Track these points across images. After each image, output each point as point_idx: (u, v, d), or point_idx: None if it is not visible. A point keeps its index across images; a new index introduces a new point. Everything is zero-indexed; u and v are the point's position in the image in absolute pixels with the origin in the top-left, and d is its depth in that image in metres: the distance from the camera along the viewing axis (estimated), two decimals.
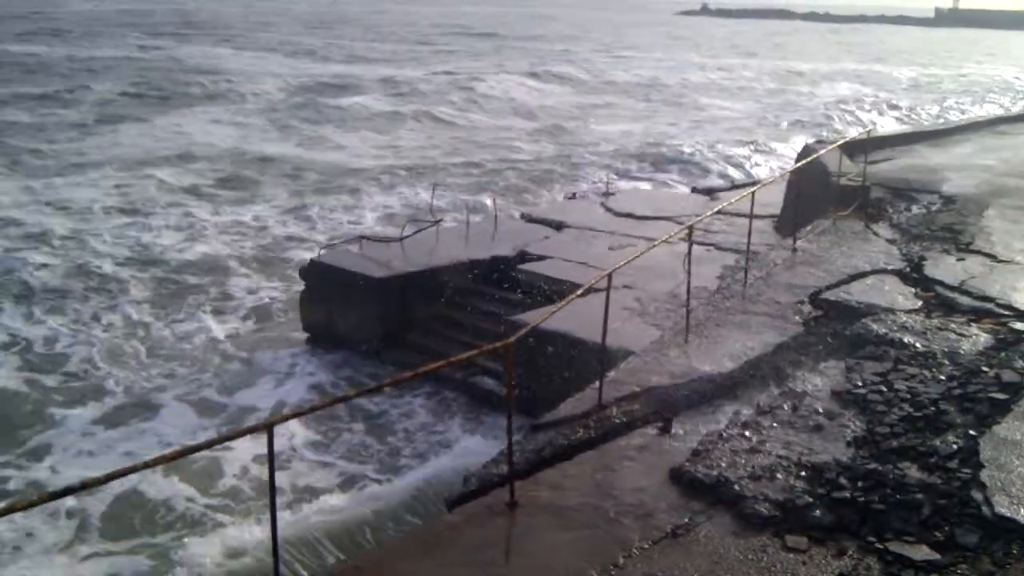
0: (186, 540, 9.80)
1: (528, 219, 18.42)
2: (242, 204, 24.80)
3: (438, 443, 12.28)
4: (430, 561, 5.25)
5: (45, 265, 18.75)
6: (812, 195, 13.66)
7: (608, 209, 18.93)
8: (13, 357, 14.77)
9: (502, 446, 8.02)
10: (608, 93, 52.61)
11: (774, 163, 32.36)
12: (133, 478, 9.52)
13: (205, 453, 8.98)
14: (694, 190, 22.71)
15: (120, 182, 26.34)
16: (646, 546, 5.28)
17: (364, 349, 14.67)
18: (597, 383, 7.51)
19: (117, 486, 10.16)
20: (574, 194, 23.52)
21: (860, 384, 7.22)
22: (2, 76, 46.89)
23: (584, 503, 5.83)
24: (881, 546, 5.15)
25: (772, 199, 16.55)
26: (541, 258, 15.11)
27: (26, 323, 16.06)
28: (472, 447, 11.92)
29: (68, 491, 3.58)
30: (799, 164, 14.36)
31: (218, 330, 16.21)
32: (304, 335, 15.64)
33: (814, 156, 13.73)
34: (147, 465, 3.78)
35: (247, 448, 11.01)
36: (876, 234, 11.88)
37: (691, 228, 8.82)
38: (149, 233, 21.40)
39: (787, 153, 32.63)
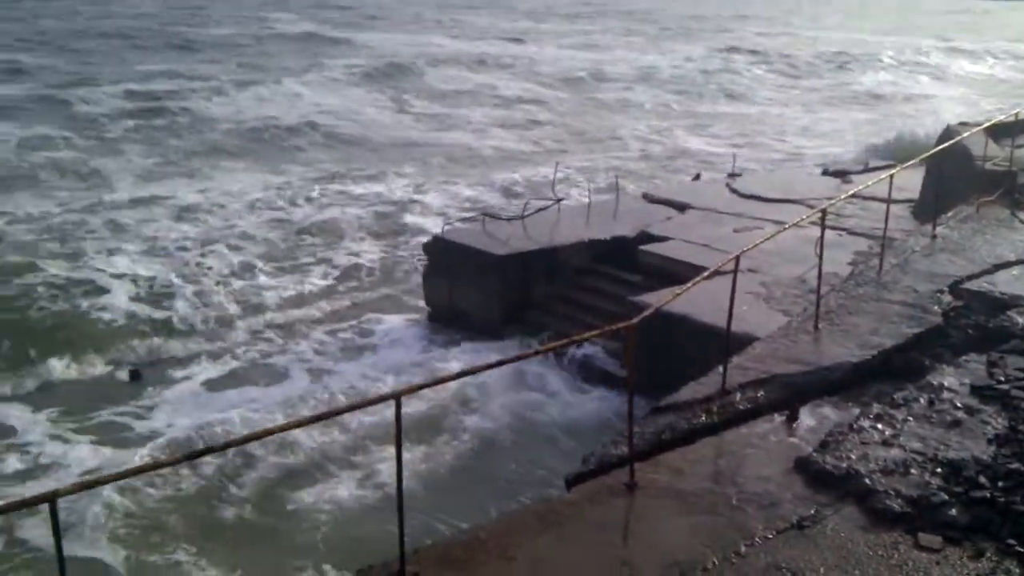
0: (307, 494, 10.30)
1: (651, 199, 18.17)
2: (374, 180, 25.38)
3: (556, 422, 12.32)
4: (549, 536, 5.29)
5: (186, 238, 19.67)
6: (954, 180, 12.98)
7: (734, 191, 18.48)
8: (142, 307, 15.63)
9: (620, 427, 8.00)
10: None
11: None
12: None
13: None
14: (825, 172, 21.88)
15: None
16: (770, 536, 5.17)
17: (483, 326, 14.84)
18: (721, 368, 7.38)
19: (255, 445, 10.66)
20: (698, 175, 23.05)
21: (1003, 379, 6.85)
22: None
23: (705, 488, 5.75)
24: (1023, 550, 4.89)
25: (909, 183, 15.81)
26: (663, 239, 14.90)
27: (145, 268, 16.85)
28: (590, 427, 11.92)
29: (207, 451, 3.78)
30: (940, 147, 13.64)
31: (344, 301, 16.70)
32: (426, 309, 15.95)
33: (956, 139, 13.03)
34: (283, 428, 3.94)
35: (361, 418, 11.34)
36: (1023, 222, 11.20)
37: (824, 211, 8.52)
38: (283, 200, 22.17)
39: None
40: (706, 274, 6.99)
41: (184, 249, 18.88)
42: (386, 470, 10.65)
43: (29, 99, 32.87)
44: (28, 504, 3.71)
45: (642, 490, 5.74)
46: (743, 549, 5.05)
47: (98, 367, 13.91)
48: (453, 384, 12.42)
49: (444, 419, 12.18)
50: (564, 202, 17.58)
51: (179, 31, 54.81)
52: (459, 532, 5.77)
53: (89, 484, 3.62)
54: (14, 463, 11.01)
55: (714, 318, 10.28)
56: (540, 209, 16.98)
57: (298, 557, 9.29)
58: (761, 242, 7.91)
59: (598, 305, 14.18)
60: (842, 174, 20.83)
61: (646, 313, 6.04)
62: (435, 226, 18.48)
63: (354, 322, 15.82)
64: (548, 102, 39.54)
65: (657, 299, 8.71)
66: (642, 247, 14.67)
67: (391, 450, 11.14)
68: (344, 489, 10.50)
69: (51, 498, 3.59)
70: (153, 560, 9.17)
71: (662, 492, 5.73)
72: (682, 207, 17.09)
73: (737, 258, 7.12)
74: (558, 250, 15.06)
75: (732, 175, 20.81)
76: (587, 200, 17.90)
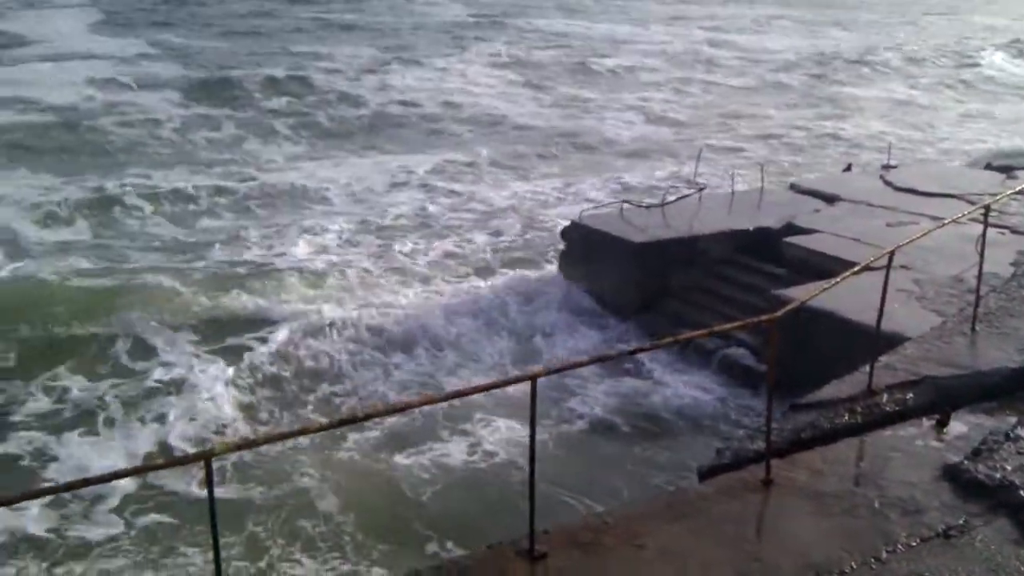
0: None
1: (798, 190, 17.58)
2: (517, 160, 25.56)
3: (685, 414, 12.16)
4: (678, 527, 5.25)
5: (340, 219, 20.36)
6: None
7: (888, 183, 17.64)
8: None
9: (752, 422, 7.83)
10: None
11: None
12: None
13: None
14: (988, 166, 20.59)
15: None
16: (913, 543, 4.97)
17: (618, 314, 14.77)
18: (867, 367, 7.11)
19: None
20: (849, 165, 22.12)
21: None
22: None
23: (845, 490, 5.57)
24: None
25: None
26: (810, 231, 14.40)
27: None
28: (720, 421, 11.72)
29: (350, 420, 3.95)
30: None
31: (483, 284, 17.00)
32: (561, 294, 15.99)
33: None
34: (423, 402, 4.07)
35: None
36: None
37: (988, 208, 8.05)
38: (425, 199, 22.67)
39: None
40: (856, 268, 6.73)
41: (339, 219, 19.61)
42: (492, 439, 10.91)
43: (190, 80, 34.70)
44: (185, 462, 3.98)
45: (778, 487, 5.61)
46: (884, 555, 4.87)
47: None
48: (584, 369, 12.48)
49: (565, 401, 12.26)
50: (706, 191, 17.24)
51: (338, 17, 56.34)
52: (588, 516, 5.80)
53: (244, 445, 3.85)
54: None
55: (861, 315, 9.89)
56: (681, 197, 16.71)
57: (416, 525, 9.48)
58: (917, 238, 7.55)
59: (738, 297, 13.87)
60: (1007, 169, 19.54)
61: (791, 306, 5.88)
62: (573, 212, 18.47)
63: (488, 301, 16.02)
64: (692, 85, 38.77)
65: (801, 293, 8.46)
66: (787, 239, 14.24)
67: (500, 421, 11.42)
68: (456, 457, 10.75)
69: (207, 456, 3.85)
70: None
71: (799, 491, 5.58)
72: (831, 199, 16.46)
73: (891, 253, 6.83)
74: (698, 239, 14.80)
75: (886, 166, 19.85)
76: (730, 189, 17.50)
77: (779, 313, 5.67)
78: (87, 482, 3.63)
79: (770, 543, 5.13)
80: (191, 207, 20.52)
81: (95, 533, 9.16)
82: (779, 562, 4.84)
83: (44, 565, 8.76)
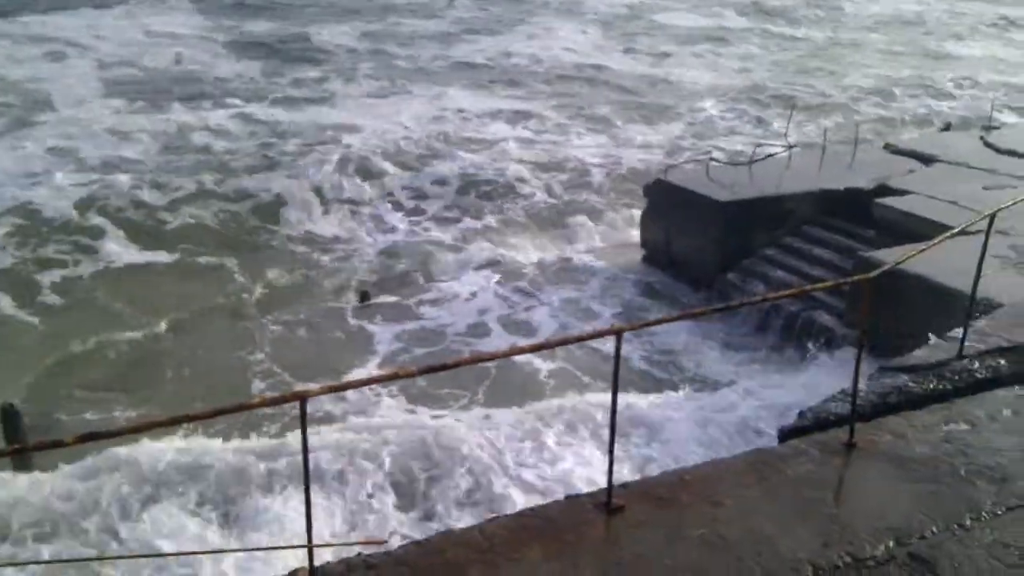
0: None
1: (893, 150, 17.00)
2: (600, 121, 25.34)
3: (770, 373, 12.02)
4: (758, 487, 5.25)
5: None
6: None
7: (988, 144, 16.91)
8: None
9: (837, 385, 7.71)
10: None
11: None
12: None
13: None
14: None
15: None
16: (999, 512, 4.87)
17: (699, 273, 14.61)
18: (958, 332, 6.92)
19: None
20: (949, 124, 21.29)
21: None
22: None
23: (930, 456, 5.48)
24: None
25: None
26: (903, 193, 13.92)
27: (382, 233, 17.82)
28: (805, 382, 11.55)
29: (437, 368, 4.05)
30: None
31: (559, 240, 17.01)
32: (641, 252, 15.91)
33: None
34: (507, 354, 4.12)
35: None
36: None
37: None
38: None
39: None
40: (954, 231, 6.52)
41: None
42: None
43: (268, 35, 35.37)
44: (280, 401, 4.15)
45: (861, 451, 5.55)
46: (968, 522, 4.79)
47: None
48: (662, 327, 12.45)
49: (647, 359, 12.26)
50: (796, 149, 16.81)
51: None
52: (666, 472, 5.83)
53: (338, 387, 4.00)
54: None
55: (954, 280, 9.59)
56: (770, 155, 16.34)
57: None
58: (1018, 201, 7.27)
59: (824, 258, 13.58)
60: None
61: (885, 267, 5.75)
62: (657, 168, 18.25)
63: (568, 260, 16.08)
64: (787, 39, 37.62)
65: (893, 255, 8.25)
66: (878, 200, 13.81)
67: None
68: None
69: (302, 396, 4.01)
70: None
71: (882, 455, 5.51)
72: (928, 160, 15.88)
73: (991, 217, 6.59)
74: (784, 199, 14.48)
75: (987, 127, 19.02)
76: (821, 147, 17.03)
77: (873, 274, 5.55)
78: (187, 418, 3.83)
79: (848, 506, 5.09)
80: None
81: None
82: (858, 524, 4.81)
83: None
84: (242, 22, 37.84)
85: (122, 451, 9.12)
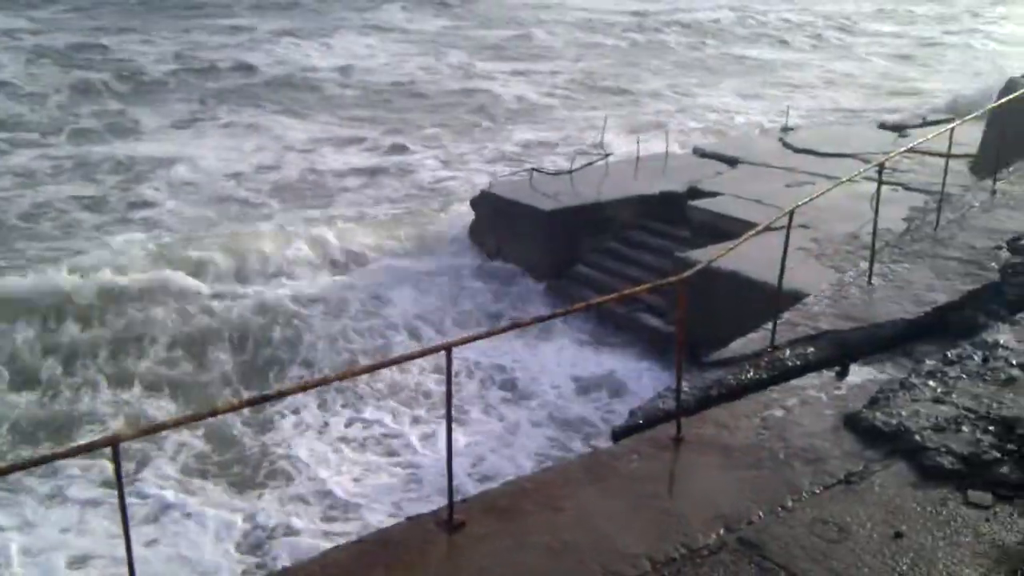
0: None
1: (700, 154, 17.93)
2: (420, 132, 25.31)
3: (600, 377, 12.35)
4: (595, 488, 5.34)
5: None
6: (1017, 134, 12.57)
7: (787, 145, 18.15)
8: None
9: (665, 382, 8.00)
10: None
11: None
12: None
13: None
14: (882, 126, 21.36)
15: None
16: (817, 491, 5.17)
17: (532, 276, 14.82)
18: (770, 324, 7.32)
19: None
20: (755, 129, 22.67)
21: None
22: None
23: (752, 443, 5.75)
24: None
25: (968, 138, 15.31)
26: (713, 194, 14.71)
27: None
28: (635, 382, 11.94)
29: (259, 400, 3.89)
30: (1004, 100, 13.20)
31: (387, 260, 16.85)
32: (474, 263, 15.97)
33: (1021, 91, 12.58)
34: (340, 378, 4.02)
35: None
36: None
37: (882, 166, 8.34)
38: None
39: None
40: (758, 229, 6.91)
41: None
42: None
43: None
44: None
45: (688, 444, 5.76)
46: (789, 503, 5.05)
47: None
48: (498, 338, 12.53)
49: (485, 371, 12.33)
50: (611, 157, 17.41)
51: None
52: (506, 483, 5.84)
53: (151, 429, 3.75)
54: None
55: (763, 274, 10.18)
56: (588, 164, 16.85)
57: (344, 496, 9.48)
58: (815, 197, 7.79)
59: (645, 260, 14.11)
60: (899, 128, 20.32)
61: (697, 267, 6.01)
62: (481, 181, 18.39)
63: (406, 274, 15.93)
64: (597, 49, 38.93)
65: (706, 255, 8.65)
66: (691, 202, 14.52)
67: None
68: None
69: (114, 441, 3.74)
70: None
71: (708, 446, 5.74)
72: (733, 161, 16.85)
73: (791, 213, 7.02)
74: (605, 205, 14.97)
75: (785, 129, 20.41)
76: (635, 155, 17.70)
77: (686, 274, 5.79)
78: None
79: (682, 498, 5.26)
80: None
81: None
82: (691, 515, 4.97)
83: None
84: None
85: None
